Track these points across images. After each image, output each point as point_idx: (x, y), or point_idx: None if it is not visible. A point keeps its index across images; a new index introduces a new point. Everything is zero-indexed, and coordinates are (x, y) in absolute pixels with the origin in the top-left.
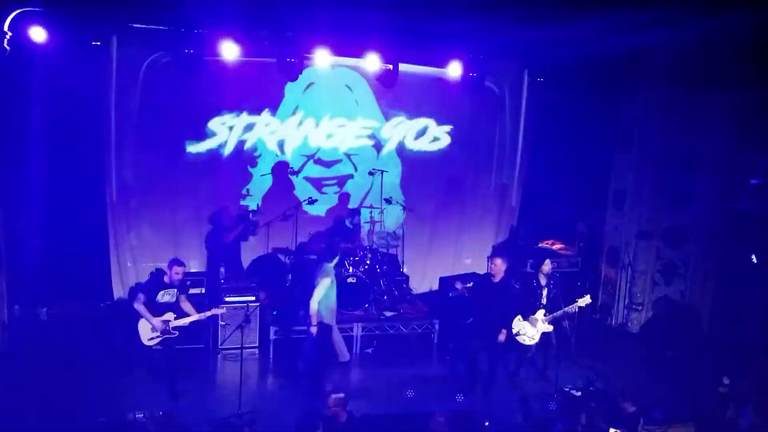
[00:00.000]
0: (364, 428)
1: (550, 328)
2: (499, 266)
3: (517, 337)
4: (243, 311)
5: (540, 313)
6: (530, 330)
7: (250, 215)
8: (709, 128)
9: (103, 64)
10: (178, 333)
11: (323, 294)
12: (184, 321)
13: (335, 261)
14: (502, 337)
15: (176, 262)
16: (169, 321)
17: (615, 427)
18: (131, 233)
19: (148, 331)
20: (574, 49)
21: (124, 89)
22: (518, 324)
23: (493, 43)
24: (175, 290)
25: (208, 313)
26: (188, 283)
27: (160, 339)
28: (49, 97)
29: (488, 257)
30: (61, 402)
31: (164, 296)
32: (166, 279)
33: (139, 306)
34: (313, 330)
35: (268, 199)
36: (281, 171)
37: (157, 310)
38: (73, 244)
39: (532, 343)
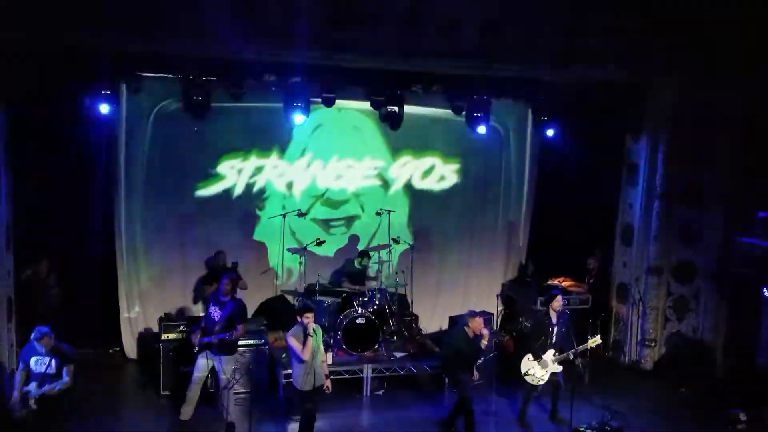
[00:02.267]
0: None
1: (560, 368)
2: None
3: (525, 377)
4: (251, 354)
5: (549, 354)
6: (539, 371)
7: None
8: (716, 162)
9: (112, 112)
10: (35, 407)
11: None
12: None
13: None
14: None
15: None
16: (29, 391)
17: None
18: (141, 279)
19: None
20: (577, 88)
21: (133, 136)
22: (527, 364)
23: (496, 84)
24: (49, 359)
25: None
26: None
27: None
28: (59, 143)
29: (466, 316)
30: None
31: (38, 365)
32: (38, 346)
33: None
34: None
35: None
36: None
37: (32, 378)
38: (82, 290)
39: (540, 383)
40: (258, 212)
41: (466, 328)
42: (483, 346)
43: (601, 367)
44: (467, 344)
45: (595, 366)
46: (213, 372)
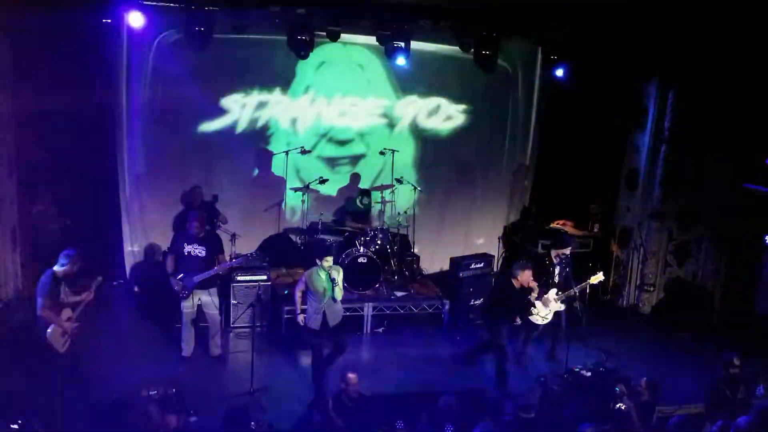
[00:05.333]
0: (373, 407)
1: (562, 307)
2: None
3: (529, 316)
4: (255, 290)
5: (552, 293)
6: (542, 309)
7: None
8: (724, 107)
9: (114, 41)
10: (78, 323)
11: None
12: (76, 311)
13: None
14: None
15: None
16: (70, 318)
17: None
18: (144, 213)
19: (58, 337)
20: (589, 28)
21: (135, 67)
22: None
23: (506, 20)
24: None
25: (92, 291)
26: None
27: (69, 342)
28: (60, 75)
29: (515, 268)
30: (75, 379)
31: (67, 296)
32: (59, 274)
33: (46, 313)
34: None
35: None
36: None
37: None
38: (87, 224)
39: (544, 322)
40: (263, 148)
41: (513, 280)
42: (532, 299)
43: (599, 311)
44: (513, 295)
45: (593, 309)
46: (200, 308)
